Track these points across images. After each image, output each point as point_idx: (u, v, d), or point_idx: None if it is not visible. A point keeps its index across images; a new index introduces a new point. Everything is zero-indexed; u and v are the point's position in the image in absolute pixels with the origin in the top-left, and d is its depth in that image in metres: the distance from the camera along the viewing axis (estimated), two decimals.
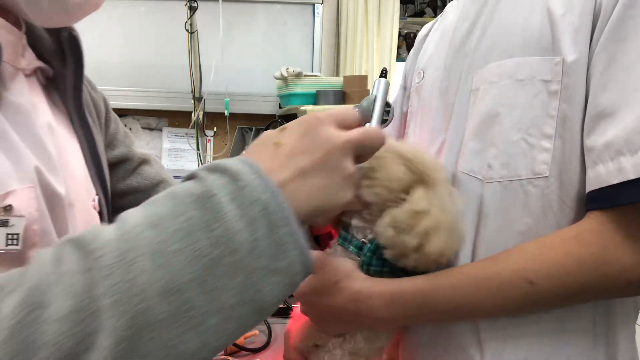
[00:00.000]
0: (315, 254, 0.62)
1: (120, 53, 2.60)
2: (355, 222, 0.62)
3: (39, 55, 0.62)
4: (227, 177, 0.35)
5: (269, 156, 0.39)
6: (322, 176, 0.39)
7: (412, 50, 0.86)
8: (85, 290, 0.30)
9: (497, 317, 0.58)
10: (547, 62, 0.55)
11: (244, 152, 0.42)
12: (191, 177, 0.37)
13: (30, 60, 0.60)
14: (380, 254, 0.58)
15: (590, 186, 0.53)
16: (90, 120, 0.66)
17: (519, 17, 0.59)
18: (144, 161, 0.80)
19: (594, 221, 0.52)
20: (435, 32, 0.79)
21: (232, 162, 0.36)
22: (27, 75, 0.58)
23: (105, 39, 2.58)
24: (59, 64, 0.63)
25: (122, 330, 0.29)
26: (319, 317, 0.63)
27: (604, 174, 0.51)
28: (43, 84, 0.62)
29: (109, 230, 0.33)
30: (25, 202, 0.49)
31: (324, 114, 0.42)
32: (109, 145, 0.75)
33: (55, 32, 0.64)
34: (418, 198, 0.56)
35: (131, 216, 0.34)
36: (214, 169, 0.36)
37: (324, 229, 0.69)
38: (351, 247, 0.61)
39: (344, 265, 0.60)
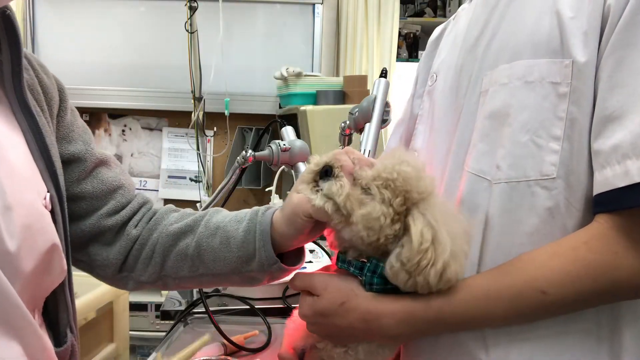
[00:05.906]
0: (317, 276, 0.62)
1: (121, 53, 2.60)
2: (351, 252, 0.61)
3: None
4: None
5: None
6: None
7: (424, 53, 0.86)
8: None
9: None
10: (556, 64, 0.56)
11: None
12: None
13: None
14: (382, 272, 0.58)
15: (597, 189, 0.53)
16: (35, 110, 0.59)
17: (528, 20, 0.59)
18: (102, 162, 0.71)
19: (601, 226, 0.53)
20: (448, 36, 0.79)
21: None
22: None
23: (106, 39, 2.58)
24: None
25: None
26: (327, 335, 0.63)
27: (611, 177, 0.51)
28: None
29: None
30: None
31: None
32: (65, 138, 0.67)
33: None
34: (419, 230, 0.54)
35: None
36: None
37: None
38: (352, 269, 0.60)
39: (346, 284, 0.60)
